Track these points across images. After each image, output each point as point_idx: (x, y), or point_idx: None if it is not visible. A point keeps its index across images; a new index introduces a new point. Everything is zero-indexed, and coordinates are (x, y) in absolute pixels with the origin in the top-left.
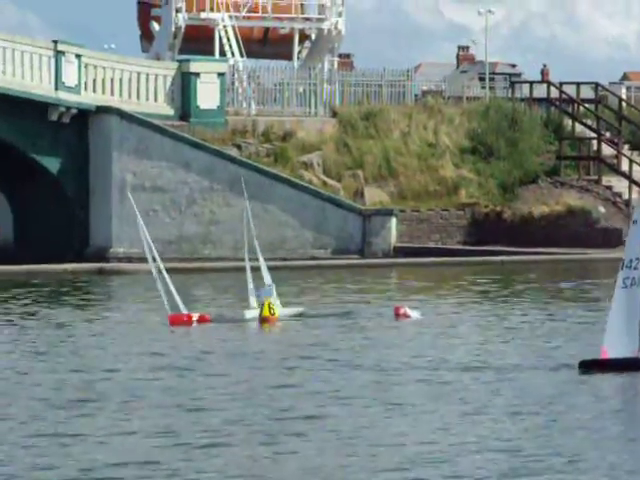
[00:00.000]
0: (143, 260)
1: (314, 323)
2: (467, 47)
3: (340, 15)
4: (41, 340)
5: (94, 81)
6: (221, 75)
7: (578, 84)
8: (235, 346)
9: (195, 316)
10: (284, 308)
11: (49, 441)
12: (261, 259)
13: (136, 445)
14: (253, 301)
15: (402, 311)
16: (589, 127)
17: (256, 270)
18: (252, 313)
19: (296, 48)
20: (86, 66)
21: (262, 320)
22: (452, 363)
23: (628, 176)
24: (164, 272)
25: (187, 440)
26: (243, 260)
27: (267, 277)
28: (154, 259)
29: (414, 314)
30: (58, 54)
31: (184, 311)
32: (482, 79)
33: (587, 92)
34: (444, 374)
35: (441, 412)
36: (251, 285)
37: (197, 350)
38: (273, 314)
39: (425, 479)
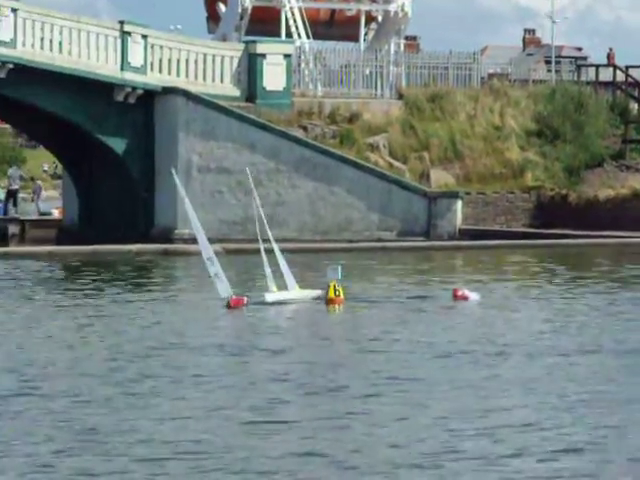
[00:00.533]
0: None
1: (376, 305)
2: (533, 30)
3: None
4: (101, 320)
5: (160, 62)
6: (287, 56)
7: None
8: (298, 327)
9: (245, 299)
10: (303, 290)
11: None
12: (274, 245)
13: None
14: (272, 285)
15: (460, 293)
16: None
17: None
18: (272, 296)
19: (362, 30)
20: (152, 47)
21: (328, 301)
22: (502, 344)
23: None
24: (213, 257)
25: (237, 418)
26: (309, 242)
27: (282, 262)
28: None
29: (473, 296)
30: (124, 35)
31: (232, 294)
32: (548, 62)
33: None
34: (492, 355)
35: (494, 392)
36: (268, 270)
37: (256, 331)
38: (338, 295)
39: (479, 457)
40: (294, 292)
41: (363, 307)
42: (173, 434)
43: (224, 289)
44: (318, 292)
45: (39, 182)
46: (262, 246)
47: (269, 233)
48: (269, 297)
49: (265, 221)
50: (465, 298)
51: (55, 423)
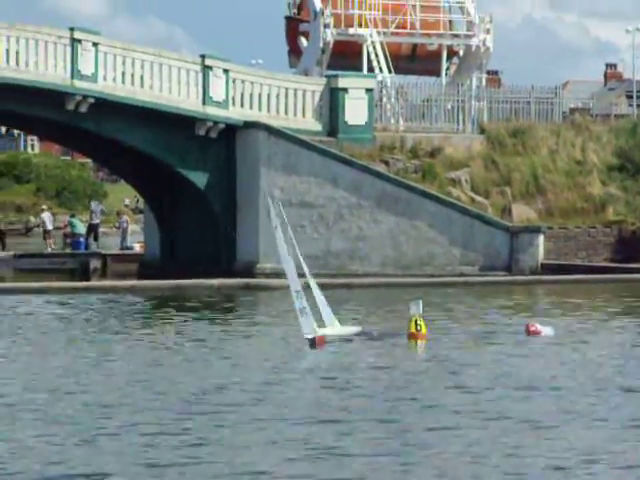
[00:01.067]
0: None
1: (454, 339)
2: (614, 65)
3: (488, 32)
4: (174, 353)
5: (242, 96)
6: (369, 91)
7: None
8: (377, 361)
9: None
10: (343, 327)
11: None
12: (311, 279)
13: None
14: (312, 321)
15: (533, 328)
16: None
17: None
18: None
19: (444, 64)
20: (234, 81)
21: (409, 336)
22: (569, 379)
23: None
24: (301, 290)
25: (299, 452)
26: (391, 276)
27: (319, 296)
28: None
29: (546, 330)
30: (206, 69)
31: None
32: (630, 97)
33: None
34: (553, 390)
35: (564, 429)
36: (306, 305)
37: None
38: (419, 330)
39: None
40: (333, 328)
41: (442, 342)
42: None
43: (308, 326)
44: (358, 329)
45: (125, 217)
46: (298, 282)
47: (305, 268)
48: (308, 334)
49: (301, 257)
50: (537, 333)
51: None
